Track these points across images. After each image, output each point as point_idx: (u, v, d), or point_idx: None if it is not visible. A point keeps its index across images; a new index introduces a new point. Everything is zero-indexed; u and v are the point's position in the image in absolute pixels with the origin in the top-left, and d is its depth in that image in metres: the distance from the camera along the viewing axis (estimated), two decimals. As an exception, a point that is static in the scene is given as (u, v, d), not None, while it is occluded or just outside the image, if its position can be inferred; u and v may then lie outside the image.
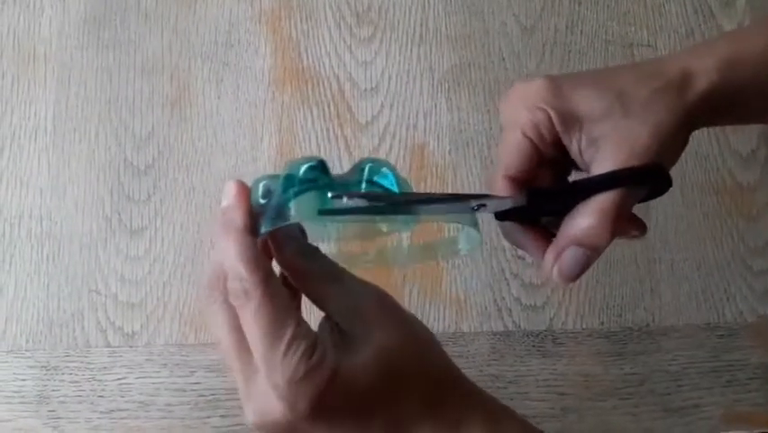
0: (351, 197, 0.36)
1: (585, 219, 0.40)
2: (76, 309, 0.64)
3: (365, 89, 0.70)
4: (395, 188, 0.38)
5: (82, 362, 0.63)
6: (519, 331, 0.65)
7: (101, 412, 0.62)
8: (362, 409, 0.36)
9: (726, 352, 0.65)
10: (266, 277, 0.35)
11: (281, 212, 0.36)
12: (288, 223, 0.36)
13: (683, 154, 0.68)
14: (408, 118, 0.69)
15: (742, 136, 0.70)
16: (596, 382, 0.64)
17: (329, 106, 0.69)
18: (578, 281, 0.66)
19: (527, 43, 0.72)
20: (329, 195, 0.36)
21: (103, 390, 0.62)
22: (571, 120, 0.41)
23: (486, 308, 0.66)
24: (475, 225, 0.41)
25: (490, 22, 0.72)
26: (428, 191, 0.67)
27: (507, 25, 0.72)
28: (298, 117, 0.69)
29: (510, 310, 0.66)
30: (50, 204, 0.66)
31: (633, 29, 0.73)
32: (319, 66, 0.71)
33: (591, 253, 0.41)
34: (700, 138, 0.70)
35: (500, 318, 0.65)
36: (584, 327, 0.65)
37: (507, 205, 0.41)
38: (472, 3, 0.73)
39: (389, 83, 0.70)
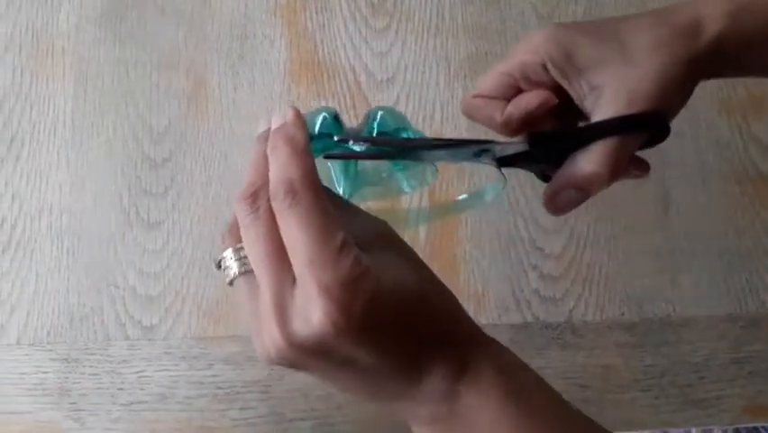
0: (356, 141, 0.37)
1: (584, 165, 0.42)
2: (95, 303, 0.64)
3: (381, 80, 0.70)
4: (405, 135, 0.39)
5: (102, 355, 0.63)
6: (538, 323, 0.65)
7: (121, 405, 0.62)
8: (396, 330, 0.35)
9: (748, 343, 0.65)
10: (317, 181, 0.34)
11: None
12: None
13: (703, 143, 0.68)
14: (425, 108, 0.69)
15: (764, 125, 0.69)
16: (616, 374, 0.63)
17: (345, 98, 0.69)
18: (597, 273, 0.65)
19: (545, 32, 0.71)
20: (335, 138, 0.36)
21: (122, 382, 0.63)
22: (570, 67, 0.42)
23: (504, 300, 0.65)
24: (498, 168, 0.42)
25: (507, 11, 0.72)
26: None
27: (525, 14, 0.72)
28: (314, 110, 0.69)
29: (529, 302, 0.65)
30: (69, 198, 0.66)
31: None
32: (335, 57, 0.70)
33: (586, 194, 0.44)
34: (721, 127, 0.69)
35: (519, 311, 0.65)
36: (604, 318, 0.65)
37: (510, 150, 0.42)
38: (489, -8, 0.72)
39: (405, 73, 0.70)
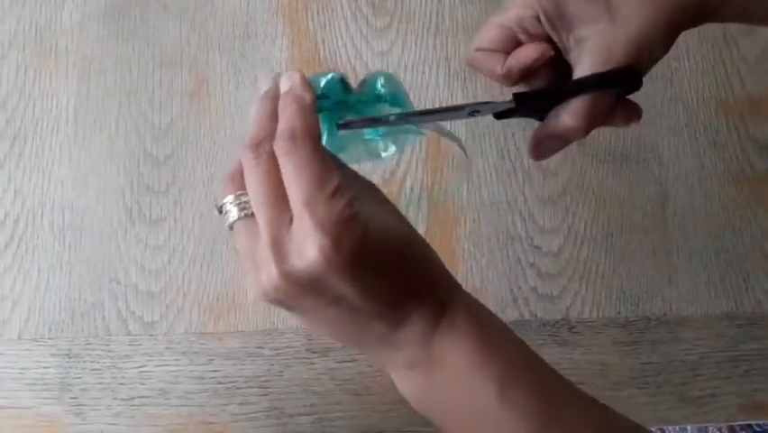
0: (356, 124, 0.41)
1: (563, 119, 0.46)
2: (97, 299, 0.65)
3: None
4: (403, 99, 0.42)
5: (103, 350, 0.64)
6: (536, 320, 0.65)
7: (122, 399, 0.63)
8: (386, 268, 0.37)
9: (744, 342, 0.65)
10: (317, 133, 0.36)
11: None
12: None
13: (700, 143, 0.68)
14: (424, 107, 0.69)
15: (761, 125, 0.70)
16: (612, 372, 0.64)
17: (346, 97, 0.70)
18: (595, 271, 0.66)
19: (544, 33, 0.72)
20: (338, 122, 0.40)
21: (123, 377, 0.63)
22: (560, 21, 0.45)
23: (502, 297, 0.66)
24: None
25: (507, 11, 0.72)
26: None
27: (524, 15, 0.72)
28: (315, 108, 0.69)
29: (527, 300, 0.66)
30: (72, 195, 0.67)
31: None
32: (336, 57, 0.71)
33: (565, 143, 0.48)
34: (719, 127, 0.70)
35: (516, 308, 0.65)
36: (601, 316, 0.65)
37: (500, 108, 0.45)
38: (488, -8, 0.73)
39: (405, 73, 0.70)
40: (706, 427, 0.63)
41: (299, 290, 0.35)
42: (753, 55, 0.71)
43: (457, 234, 0.67)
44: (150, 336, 0.64)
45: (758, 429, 0.63)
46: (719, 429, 0.63)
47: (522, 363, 0.40)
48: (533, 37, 0.46)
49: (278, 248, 0.35)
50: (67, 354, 0.64)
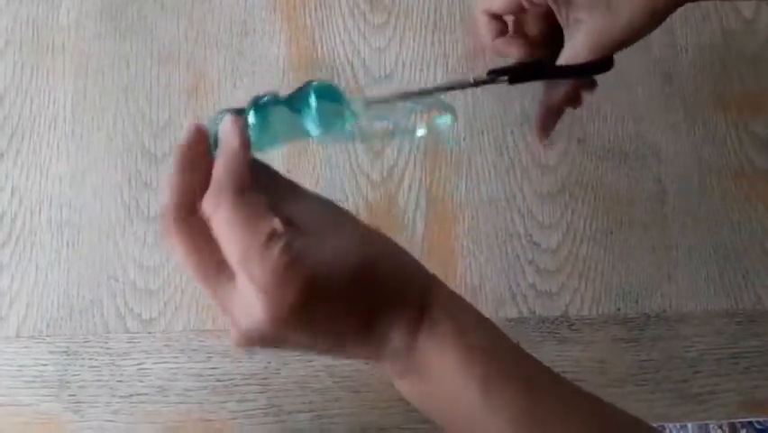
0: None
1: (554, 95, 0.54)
2: (95, 296, 0.65)
3: (379, 76, 0.70)
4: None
5: (101, 347, 0.64)
6: (534, 317, 0.65)
7: (120, 397, 0.63)
8: (340, 306, 0.36)
9: (744, 338, 0.65)
10: (240, 182, 0.35)
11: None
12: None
13: (699, 139, 0.68)
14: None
15: (760, 121, 0.70)
16: (612, 369, 0.64)
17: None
18: (593, 268, 0.66)
19: (543, 29, 0.72)
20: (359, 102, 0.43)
21: (122, 375, 0.63)
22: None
23: (501, 294, 0.66)
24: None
25: (505, 7, 0.72)
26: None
27: (523, 11, 0.72)
28: (313, 105, 0.69)
29: (525, 296, 0.65)
30: (69, 192, 0.67)
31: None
32: (333, 54, 0.71)
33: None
34: (718, 122, 0.69)
35: (515, 305, 0.65)
36: (600, 313, 0.65)
37: (479, 84, 0.49)
38: (487, -11, 0.72)
39: (403, 70, 0.70)
40: (707, 424, 0.63)
41: (264, 343, 0.35)
42: (751, 50, 0.71)
43: (456, 231, 0.67)
44: (149, 333, 0.64)
45: (759, 427, 0.63)
46: (720, 427, 0.63)
47: (507, 362, 0.40)
48: (535, 6, 0.49)
49: (228, 312, 0.35)
50: (65, 352, 0.64)
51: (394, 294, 0.38)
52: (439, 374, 0.38)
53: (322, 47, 0.71)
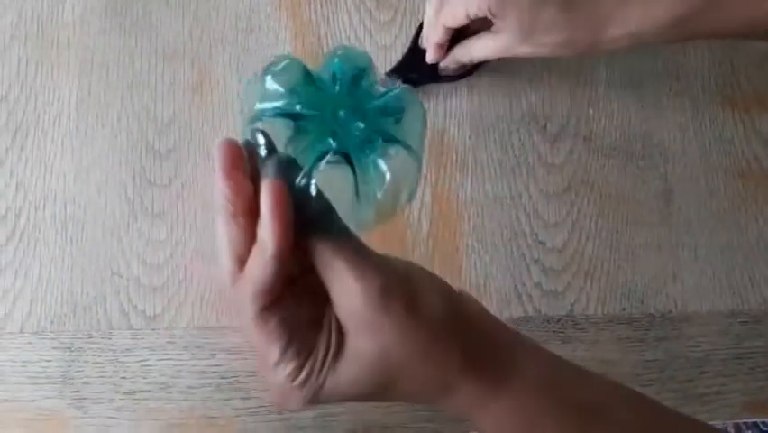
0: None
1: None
2: (99, 292, 0.65)
3: (385, 74, 0.70)
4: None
5: (105, 344, 0.64)
6: (540, 317, 0.65)
7: (123, 393, 0.63)
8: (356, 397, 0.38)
9: (749, 339, 0.65)
10: (261, 302, 0.36)
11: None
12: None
13: (706, 138, 0.68)
14: (428, 101, 0.69)
15: (767, 120, 0.70)
16: (617, 369, 0.63)
17: (349, 91, 0.69)
18: (599, 267, 0.66)
19: (549, 27, 0.71)
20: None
21: (125, 371, 0.63)
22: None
23: (506, 293, 0.65)
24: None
25: (512, 5, 0.72)
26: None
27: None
28: (318, 102, 0.69)
29: (530, 296, 0.65)
30: (74, 188, 0.67)
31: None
32: (339, 50, 0.70)
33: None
34: (725, 122, 0.69)
35: (520, 304, 0.65)
36: (605, 312, 0.65)
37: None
38: (493, -14, 0.72)
39: (409, 67, 0.70)
40: (711, 424, 0.63)
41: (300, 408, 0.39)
42: (759, 50, 0.71)
43: (461, 229, 0.66)
44: (153, 329, 0.64)
45: (765, 429, 0.63)
46: (725, 428, 0.63)
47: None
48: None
49: (263, 378, 0.38)
50: (69, 348, 0.64)
51: (467, 365, 0.39)
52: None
53: (327, 43, 0.71)
